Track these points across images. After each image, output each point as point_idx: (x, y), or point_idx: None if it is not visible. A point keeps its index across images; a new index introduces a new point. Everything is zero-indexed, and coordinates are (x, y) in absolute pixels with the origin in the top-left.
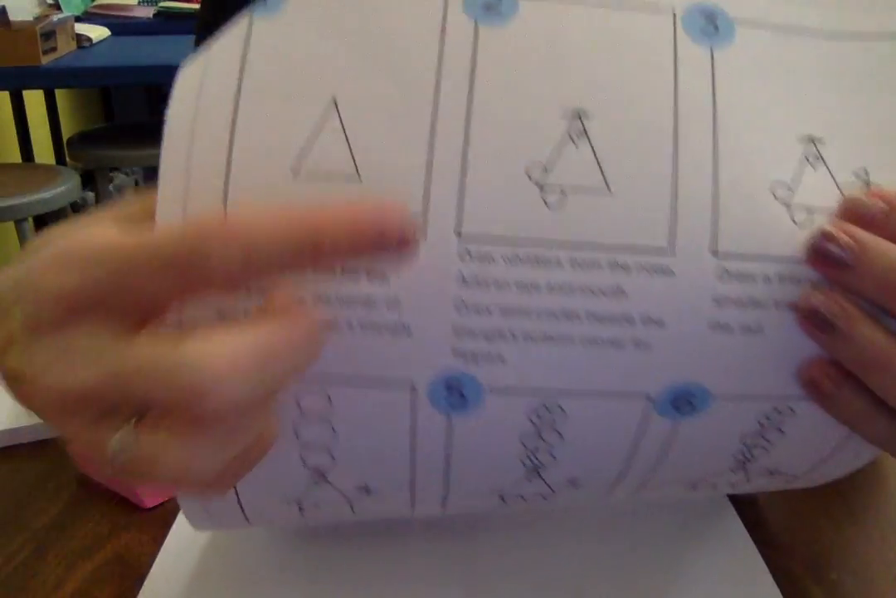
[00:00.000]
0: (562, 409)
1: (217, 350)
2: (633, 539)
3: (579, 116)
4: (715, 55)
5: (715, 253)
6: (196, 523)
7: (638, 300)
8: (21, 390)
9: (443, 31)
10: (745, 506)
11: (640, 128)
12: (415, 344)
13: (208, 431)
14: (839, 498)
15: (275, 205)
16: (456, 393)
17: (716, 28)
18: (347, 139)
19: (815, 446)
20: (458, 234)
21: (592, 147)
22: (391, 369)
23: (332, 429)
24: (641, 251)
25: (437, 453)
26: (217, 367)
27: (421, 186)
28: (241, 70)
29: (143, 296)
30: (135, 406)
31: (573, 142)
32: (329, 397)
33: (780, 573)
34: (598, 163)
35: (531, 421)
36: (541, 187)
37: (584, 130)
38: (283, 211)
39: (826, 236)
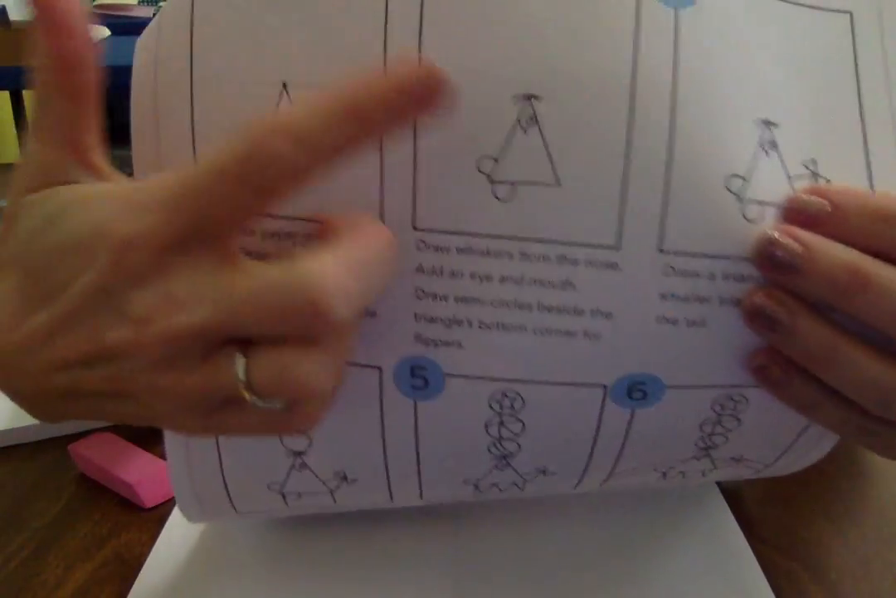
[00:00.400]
0: (521, 396)
1: (326, 268)
2: (624, 538)
3: (530, 98)
4: (679, 17)
5: (661, 250)
6: (189, 514)
7: (587, 293)
8: (121, 343)
9: (387, 8)
10: (745, 506)
11: (593, 113)
12: (381, 329)
13: (324, 345)
14: (839, 498)
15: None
16: (419, 377)
17: None
18: None
19: (774, 434)
20: (414, 227)
21: (543, 136)
22: (360, 351)
23: None
24: (589, 246)
25: (406, 439)
26: (331, 284)
27: (377, 178)
28: (191, 55)
29: (226, 219)
30: (249, 334)
31: (523, 129)
32: None
33: (780, 573)
34: (549, 155)
35: (492, 408)
36: (491, 180)
37: (535, 115)
38: (316, 94)
39: (771, 241)
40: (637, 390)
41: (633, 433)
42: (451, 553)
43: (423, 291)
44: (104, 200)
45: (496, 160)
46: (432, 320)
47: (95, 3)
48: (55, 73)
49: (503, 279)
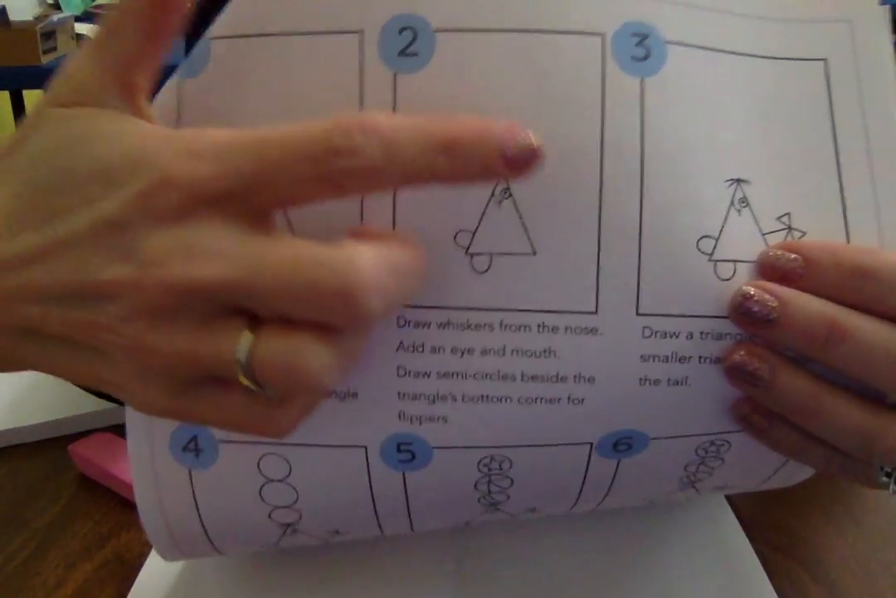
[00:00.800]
0: (509, 459)
1: (368, 260)
2: (625, 537)
3: None
4: (645, 86)
5: (639, 313)
6: (165, 554)
7: (568, 360)
8: (118, 282)
9: (362, 83)
10: (745, 506)
11: (564, 184)
12: (363, 409)
13: (341, 339)
14: (839, 498)
15: None
16: (406, 452)
17: (647, 52)
18: None
19: (757, 468)
20: None
21: (517, 208)
22: (343, 432)
23: (294, 490)
24: (569, 313)
25: (396, 503)
26: (372, 276)
27: None
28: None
29: (281, 191)
30: (264, 307)
31: (497, 202)
32: (288, 461)
33: (780, 573)
34: (524, 226)
35: (481, 470)
36: (469, 254)
37: (508, 188)
38: (419, 117)
39: (746, 296)
40: (622, 444)
41: (619, 478)
42: (452, 552)
43: (405, 369)
44: (147, 135)
45: (473, 233)
46: (416, 397)
47: (95, 3)
48: (145, 2)
49: (485, 351)
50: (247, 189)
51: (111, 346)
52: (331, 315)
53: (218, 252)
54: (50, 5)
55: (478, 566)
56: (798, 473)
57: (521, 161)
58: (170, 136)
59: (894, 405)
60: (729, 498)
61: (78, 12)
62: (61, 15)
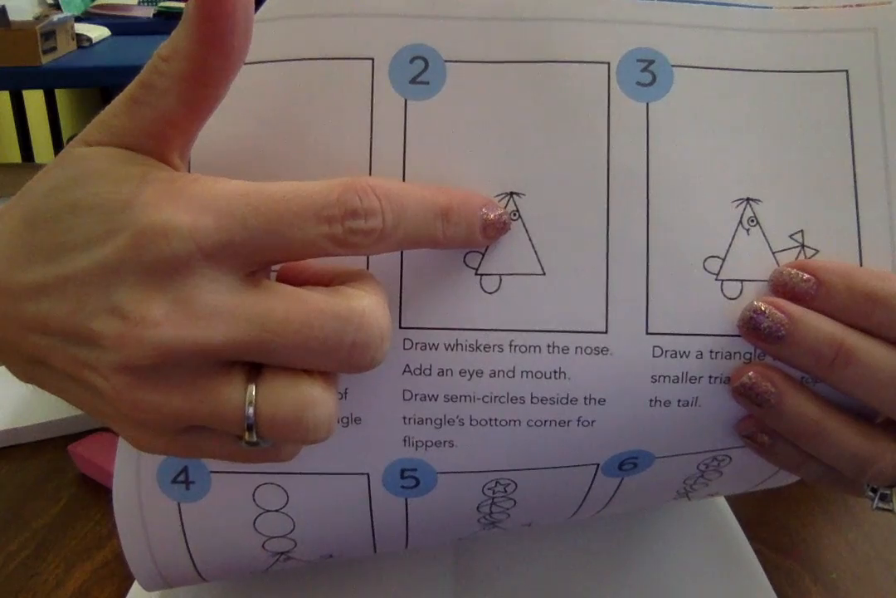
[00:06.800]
0: (514, 482)
1: (378, 308)
2: (626, 537)
3: (512, 195)
4: (651, 110)
5: (649, 332)
6: (148, 585)
7: (579, 381)
8: (106, 335)
9: (372, 109)
10: (745, 506)
11: (572, 206)
12: (366, 435)
13: (336, 381)
14: (839, 498)
15: None
16: (410, 478)
17: (653, 77)
18: None
19: (749, 478)
20: (400, 325)
21: (526, 229)
22: (346, 459)
23: (291, 519)
24: (579, 332)
25: (396, 528)
26: (385, 325)
27: None
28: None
29: (287, 247)
30: (270, 361)
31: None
32: (285, 490)
33: (780, 573)
34: (533, 245)
35: (485, 494)
36: (478, 274)
37: (518, 210)
38: (417, 184)
39: (757, 311)
40: (628, 463)
41: (619, 494)
42: (452, 551)
43: (411, 393)
44: (155, 180)
45: (483, 254)
46: (422, 421)
47: (95, 3)
48: (198, 45)
49: (494, 373)
50: (250, 243)
51: (105, 391)
52: (342, 367)
53: (218, 311)
54: (50, 5)
55: (477, 566)
56: (788, 478)
57: (495, 230)
58: (177, 183)
59: (888, 426)
60: (729, 498)
61: (78, 12)
62: (61, 15)
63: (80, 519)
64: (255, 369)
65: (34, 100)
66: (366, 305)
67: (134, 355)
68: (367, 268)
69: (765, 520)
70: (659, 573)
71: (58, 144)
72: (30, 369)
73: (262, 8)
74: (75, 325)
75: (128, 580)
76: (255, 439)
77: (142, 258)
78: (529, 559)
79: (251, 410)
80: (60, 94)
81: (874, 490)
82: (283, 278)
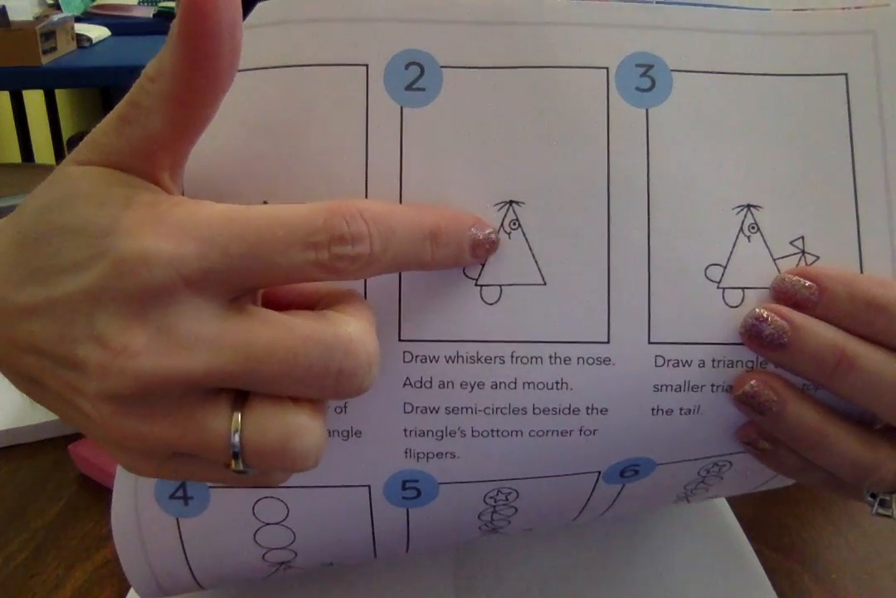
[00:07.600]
0: (516, 490)
1: (367, 335)
2: (626, 537)
3: (512, 204)
4: (650, 116)
5: (651, 341)
6: (146, 594)
7: (581, 391)
8: (89, 363)
9: (367, 116)
10: (745, 506)
11: (573, 215)
12: (368, 448)
13: (324, 408)
14: (839, 500)
15: None
16: (411, 489)
17: (652, 82)
18: None
19: (749, 482)
20: (400, 338)
21: (526, 239)
22: (347, 472)
23: (292, 532)
24: (581, 343)
25: (397, 536)
26: (373, 352)
27: (360, 289)
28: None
29: (272, 273)
30: (255, 389)
31: (507, 233)
32: (286, 504)
33: (780, 573)
34: (533, 255)
35: (486, 503)
36: (478, 285)
37: (517, 218)
38: (404, 206)
39: (759, 318)
40: (629, 470)
41: (619, 500)
42: (452, 551)
43: (412, 405)
44: (140, 204)
45: (483, 264)
46: (423, 433)
47: (95, 3)
48: (183, 65)
49: (496, 385)
50: (233, 270)
51: (92, 416)
52: (329, 394)
53: (201, 339)
54: (50, 5)
55: (478, 567)
56: (788, 480)
57: (484, 250)
58: (160, 208)
59: (888, 433)
60: (729, 498)
61: (78, 12)
62: (61, 15)
63: (80, 519)
64: (241, 397)
65: (34, 100)
66: (352, 330)
67: (116, 385)
68: (364, 281)
69: (765, 520)
70: (659, 573)
71: (58, 144)
72: (26, 385)
73: (253, 13)
74: (64, 349)
75: (128, 581)
76: (241, 467)
77: (123, 286)
78: (530, 560)
79: (237, 438)
80: (60, 95)
81: (874, 496)
82: (268, 300)
